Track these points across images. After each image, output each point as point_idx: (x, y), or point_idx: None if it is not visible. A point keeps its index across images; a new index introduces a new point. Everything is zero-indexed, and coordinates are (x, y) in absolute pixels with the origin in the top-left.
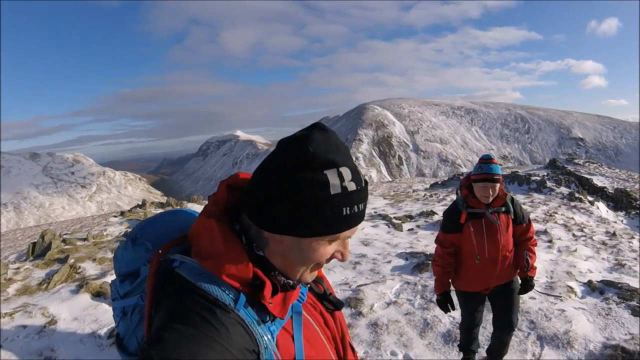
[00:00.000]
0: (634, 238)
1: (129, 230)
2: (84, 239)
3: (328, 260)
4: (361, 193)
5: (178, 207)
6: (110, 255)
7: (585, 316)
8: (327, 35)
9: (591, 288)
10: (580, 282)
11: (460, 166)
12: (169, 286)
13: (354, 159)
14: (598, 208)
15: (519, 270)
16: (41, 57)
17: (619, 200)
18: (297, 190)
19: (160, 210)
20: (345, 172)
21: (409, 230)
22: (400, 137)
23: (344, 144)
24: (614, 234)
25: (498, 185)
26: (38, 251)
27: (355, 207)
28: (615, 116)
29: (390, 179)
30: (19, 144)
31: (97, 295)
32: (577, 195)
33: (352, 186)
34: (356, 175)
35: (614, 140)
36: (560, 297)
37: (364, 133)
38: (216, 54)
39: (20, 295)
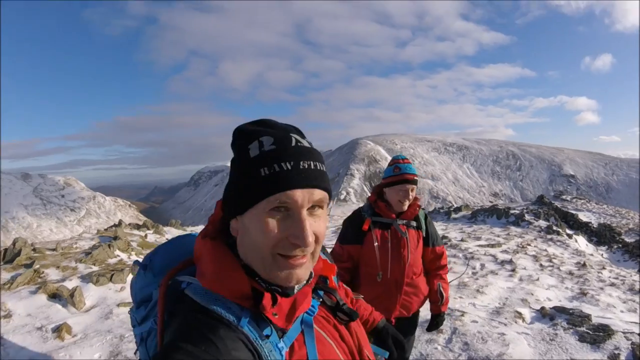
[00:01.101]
0: (605, 269)
1: (98, 244)
2: (53, 249)
3: (291, 247)
4: (283, 151)
5: (178, 231)
6: (74, 264)
7: (527, 341)
8: (324, 70)
9: (542, 314)
10: (533, 308)
11: (451, 202)
12: (178, 306)
13: (345, 194)
14: (576, 241)
15: (431, 304)
16: (41, 81)
17: (602, 235)
18: (233, 169)
19: (136, 231)
20: (267, 139)
21: None
22: None
23: (282, 124)
24: (583, 265)
25: (415, 188)
26: (8, 257)
27: (275, 165)
28: (607, 152)
29: None
30: (11, 164)
31: (53, 296)
32: (554, 228)
33: (270, 147)
34: (283, 140)
35: (605, 177)
36: (505, 322)
37: (356, 168)
38: (215, 86)
39: None
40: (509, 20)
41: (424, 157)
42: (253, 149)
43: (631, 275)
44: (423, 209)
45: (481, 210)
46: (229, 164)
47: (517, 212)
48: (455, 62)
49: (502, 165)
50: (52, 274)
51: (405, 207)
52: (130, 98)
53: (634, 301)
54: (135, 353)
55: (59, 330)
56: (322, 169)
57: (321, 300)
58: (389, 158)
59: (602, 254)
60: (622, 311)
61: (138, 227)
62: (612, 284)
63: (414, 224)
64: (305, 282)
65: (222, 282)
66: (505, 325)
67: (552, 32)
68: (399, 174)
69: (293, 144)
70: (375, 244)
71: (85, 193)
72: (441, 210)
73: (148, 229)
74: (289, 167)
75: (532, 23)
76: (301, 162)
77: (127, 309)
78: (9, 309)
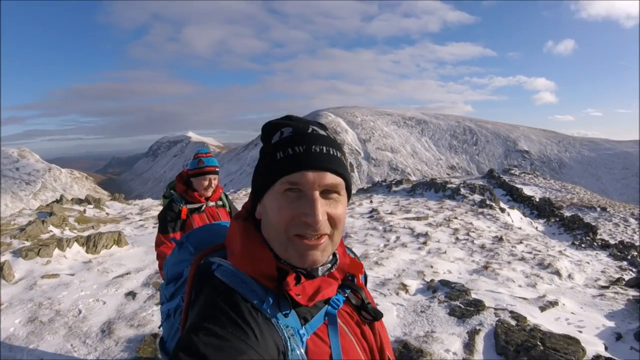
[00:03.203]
0: (522, 243)
1: (36, 219)
2: None
3: (303, 226)
4: (299, 137)
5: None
6: (9, 240)
7: (397, 312)
8: (290, 40)
9: (428, 287)
10: (425, 281)
11: (410, 174)
12: (206, 287)
13: None
14: (509, 215)
15: None
16: None
17: (542, 209)
18: (261, 158)
19: (76, 206)
20: (287, 129)
21: None
22: (352, 144)
23: (306, 119)
24: (500, 239)
25: (217, 177)
26: None
27: (289, 149)
28: (561, 131)
29: None
30: None
31: None
32: (488, 202)
33: (288, 134)
34: (301, 129)
35: (558, 154)
36: (385, 294)
37: None
38: (177, 52)
39: None
40: (475, 2)
41: (384, 130)
42: (275, 138)
43: (553, 249)
44: (225, 193)
45: (420, 184)
46: (188, 134)
47: (454, 186)
48: (419, 39)
49: (459, 139)
50: None
51: (210, 193)
52: (88, 65)
53: (537, 276)
54: (159, 327)
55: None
56: (335, 154)
57: (346, 296)
58: (350, 130)
59: (537, 227)
60: (520, 286)
61: (80, 202)
62: (522, 259)
63: (220, 203)
64: (326, 267)
65: (249, 259)
66: (385, 296)
67: (517, 14)
68: (203, 167)
69: (309, 131)
70: (195, 224)
71: (40, 165)
72: (383, 184)
73: (89, 203)
74: (301, 149)
75: (498, 5)
76: (313, 146)
77: (50, 280)
78: None
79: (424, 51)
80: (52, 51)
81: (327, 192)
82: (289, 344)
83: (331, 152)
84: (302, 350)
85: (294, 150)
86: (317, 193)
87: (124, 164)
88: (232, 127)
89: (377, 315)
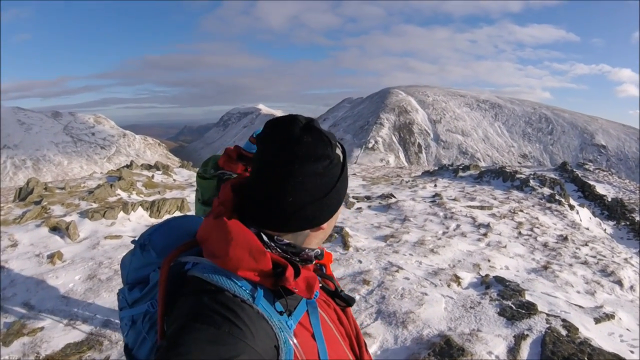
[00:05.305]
0: (587, 246)
1: (105, 183)
2: (62, 188)
3: None
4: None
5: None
6: (77, 201)
7: (445, 305)
8: (364, 15)
9: (482, 282)
10: (479, 275)
11: (479, 160)
12: (182, 289)
13: (373, 142)
14: (577, 213)
15: None
16: (69, 18)
17: (613, 210)
18: (334, 180)
19: (145, 172)
20: (333, 138)
21: (356, 208)
22: (422, 124)
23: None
24: (565, 238)
25: None
26: (23, 195)
27: (346, 166)
28: None
29: (408, 166)
30: (42, 102)
31: (54, 229)
32: (557, 197)
33: (341, 152)
34: (338, 144)
35: (638, 152)
36: (436, 284)
37: (386, 117)
38: (248, 26)
39: None
40: None
41: (456, 112)
42: (329, 152)
43: (619, 255)
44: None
45: (488, 171)
46: (258, 106)
47: (524, 176)
48: (499, 19)
49: (533, 127)
50: (57, 210)
51: None
52: (160, 36)
53: (598, 283)
54: (125, 335)
55: (52, 257)
56: None
57: (321, 285)
58: (420, 110)
59: (605, 229)
60: (578, 292)
61: (149, 167)
62: (585, 262)
63: None
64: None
65: (241, 259)
66: (436, 286)
67: (605, 0)
68: None
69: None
70: None
71: (115, 131)
72: (450, 168)
73: (158, 169)
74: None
75: None
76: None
77: (113, 241)
78: (16, 239)
79: (503, 32)
80: (126, 23)
81: None
82: (281, 336)
83: None
84: (295, 341)
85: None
86: None
87: (195, 133)
88: (301, 101)
89: (350, 301)
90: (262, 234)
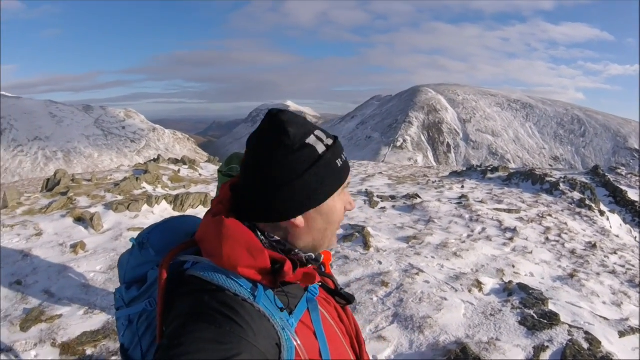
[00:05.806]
0: (615, 254)
1: (131, 176)
2: (89, 180)
3: (344, 212)
4: (339, 146)
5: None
6: (103, 193)
7: (465, 310)
8: (393, 12)
9: (504, 289)
10: (502, 281)
11: (510, 161)
12: (182, 288)
13: (401, 141)
14: (608, 219)
15: None
16: (100, 14)
17: None
18: (295, 170)
19: (172, 166)
20: (319, 133)
21: (380, 208)
22: (452, 124)
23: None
24: (593, 246)
25: None
26: (50, 186)
27: (340, 157)
28: None
29: (436, 166)
30: (73, 96)
31: (78, 220)
32: (587, 202)
33: (330, 142)
34: (327, 134)
35: None
36: (457, 289)
37: (415, 116)
38: (275, 23)
39: (25, 215)
40: None
41: (486, 112)
42: (319, 146)
43: None
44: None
45: (517, 173)
46: (287, 103)
47: (554, 180)
48: (531, 16)
49: (566, 129)
50: (83, 201)
51: None
52: (190, 33)
53: (625, 294)
54: (122, 335)
55: (75, 246)
56: None
57: (321, 283)
58: (450, 109)
59: (635, 237)
60: (604, 302)
61: (176, 162)
62: (613, 271)
63: None
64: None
65: (240, 257)
66: (456, 291)
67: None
68: None
69: (334, 138)
70: None
71: (145, 125)
72: (478, 169)
73: (184, 164)
74: (345, 157)
75: None
76: (344, 154)
77: (135, 233)
78: (41, 229)
79: (536, 30)
80: (156, 20)
81: None
82: (283, 335)
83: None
84: (297, 339)
85: (344, 157)
86: None
87: (223, 128)
88: (329, 98)
89: (351, 299)
90: (257, 231)
